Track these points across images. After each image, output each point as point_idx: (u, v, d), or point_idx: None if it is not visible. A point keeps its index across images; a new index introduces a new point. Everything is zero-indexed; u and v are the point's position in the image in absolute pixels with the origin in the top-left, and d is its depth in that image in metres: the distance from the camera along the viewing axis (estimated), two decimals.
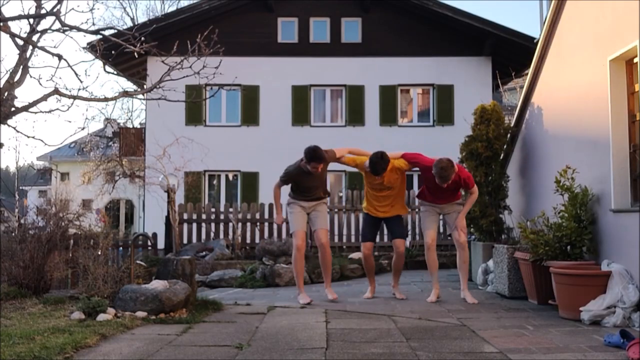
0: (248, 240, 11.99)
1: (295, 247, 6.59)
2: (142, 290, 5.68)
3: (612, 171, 5.56)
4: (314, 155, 6.28)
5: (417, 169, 6.71)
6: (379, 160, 6.27)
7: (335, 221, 11.94)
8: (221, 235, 11.95)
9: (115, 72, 18.79)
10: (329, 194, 6.98)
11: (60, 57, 8.17)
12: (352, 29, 18.89)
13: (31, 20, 8.45)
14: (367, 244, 6.79)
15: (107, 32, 9.04)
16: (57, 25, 8.13)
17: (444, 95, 18.47)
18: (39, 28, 8.52)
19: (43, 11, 8.39)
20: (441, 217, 6.95)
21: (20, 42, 8.39)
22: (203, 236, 12.04)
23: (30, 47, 8.45)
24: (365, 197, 6.89)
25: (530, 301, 6.35)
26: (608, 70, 5.67)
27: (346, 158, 6.74)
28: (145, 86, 18.28)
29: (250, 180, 18.34)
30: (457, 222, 6.47)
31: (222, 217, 12.11)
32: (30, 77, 8.72)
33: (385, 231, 12.01)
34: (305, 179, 6.52)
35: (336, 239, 11.91)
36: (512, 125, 8.35)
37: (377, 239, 11.91)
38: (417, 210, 12.08)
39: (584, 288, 5.24)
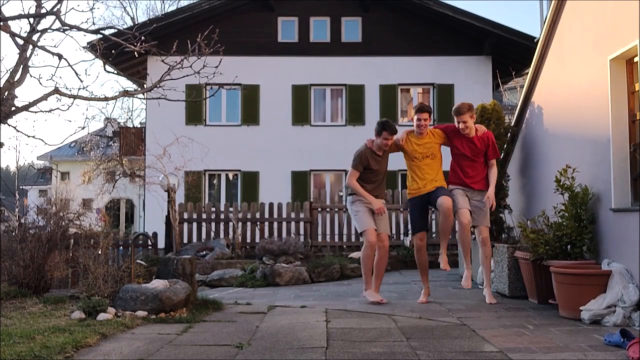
0: (248, 240, 11.99)
1: (369, 243, 6.25)
2: (143, 289, 5.69)
3: (612, 170, 5.56)
4: (386, 124, 6.21)
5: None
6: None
7: (335, 221, 11.94)
8: (221, 235, 11.95)
9: (115, 72, 18.79)
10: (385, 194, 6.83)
11: (60, 56, 8.17)
12: (352, 29, 18.89)
13: (31, 20, 8.46)
14: (420, 234, 6.36)
15: (107, 32, 9.05)
16: (57, 24, 8.15)
17: (444, 95, 18.45)
18: (39, 27, 8.52)
19: (43, 10, 8.39)
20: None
21: (21, 42, 8.40)
22: (203, 236, 12.04)
23: (31, 47, 8.46)
24: (408, 178, 6.49)
25: (530, 300, 6.35)
26: (608, 70, 5.67)
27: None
28: (145, 86, 18.29)
29: (251, 180, 18.34)
30: (488, 194, 6.20)
31: (222, 216, 12.12)
32: (31, 76, 8.73)
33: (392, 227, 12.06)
34: (373, 162, 6.30)
35: (336, 238, 11.92)
36: (512, 124, 8.35)
37: None
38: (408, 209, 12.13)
39: (584, 287, 5.23)
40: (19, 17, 7.94)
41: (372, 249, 6.28)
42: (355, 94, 18.56)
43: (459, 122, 6.20)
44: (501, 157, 8.14)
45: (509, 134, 8.16)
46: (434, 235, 12.08)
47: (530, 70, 7.86)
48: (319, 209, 11.97)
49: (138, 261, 8.20)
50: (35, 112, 8.62)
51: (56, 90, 8.27)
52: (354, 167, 6.34)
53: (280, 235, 11.75)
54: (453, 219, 6.32)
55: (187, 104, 16.00)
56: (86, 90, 10.66)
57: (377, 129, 6.27)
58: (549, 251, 5.82)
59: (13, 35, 8.23)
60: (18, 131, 9.01)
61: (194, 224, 12.10)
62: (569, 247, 5.87)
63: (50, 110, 8.66)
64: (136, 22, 22.76)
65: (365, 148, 6.35)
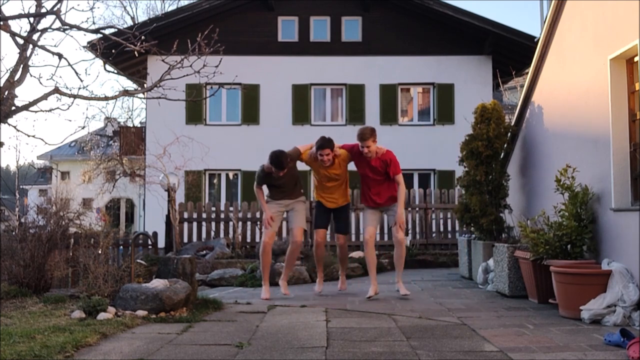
0: (248, 239, 11.98)
1: (262, 243, 6.95)
2: (143, 289, 5.69)
3: (612, 170, 5.56)
4: (275, 162, 6.54)
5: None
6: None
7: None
8: (221, 234, 11.95)
9: (115, 71, 18.77)
10: (303, 192, 7.19)
11: (60, 56, 8.17)
12: (352, 28, 18.88)
13: (31, 19, 8.45)
14: (320, 231, 6.99)
15: (107, 31, 9.06)
16: (58, 24, 8.15)
17: (445, 94, 18.46)
18: (39, 27, 8.52)
19: (43, 10, 8.39)
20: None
21: (21, 41, 8.40)
22: (203, 235, 12.04)
23: (31, 46, 8.46)
24: (315, 187, 7.12)
25: (530, 300, 6.35)
26: (608, 69, 5.67)
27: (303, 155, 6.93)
28: (145, 85, 18.28)
29: (251, 179, 18.17)
30: (396, 217, 6.59)
31: (222, 216, 12.12)
32: (31, 76, 8.73)
33: (386, 229, 12.11)
34: (273, 180, 6.80)
35: (336, 238, 11.87)
36: (512, 124, 8.34)
37: (377, 237, 12.08)
38: (416, 210, 12.15)
39: (584, 287, 5.24)
40: (19, 16, 7.95)
41: (264, 247, 6.90)
42: (356, 93, 18.56)
43: (362, 147, 6.52)
44: (501, 156, 8.16)
45: (509, 134, 8.16)
46: (433, 234, 12.12)
47: (531, 69, 7.86)
48: None
49: (138, 261, 8.21)
50: (36, 112, 8.64)
51: (56, 90, 8.27)
52: (255, 182, 7.00)
53: (280, 235, 11.75)
54: (347, 252, 7.17)
55: (187, 104, 16.00)
56: (86, 89, 10.69)
57: (269, 161, 6.60)
58: (549, 251, 5.82)
59: (13, 34, 8.23)
60: (18, 131, 9.03)
61: (194, 224, 12.10)
62: (569, 246, 5.87)
63: (50, 110, 8.68)
64: (136, 22, 22.74)
65: (261, 171, 6.84)
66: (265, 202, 6.96)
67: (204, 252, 10.91)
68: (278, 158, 6.52)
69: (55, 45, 16.93)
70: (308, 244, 11.43)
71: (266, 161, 6.67)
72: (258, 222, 12.12)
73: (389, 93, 18.54)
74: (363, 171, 6.75)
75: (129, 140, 20.51)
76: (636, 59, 5.38)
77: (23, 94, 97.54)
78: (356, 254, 10.33)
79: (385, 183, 6.70)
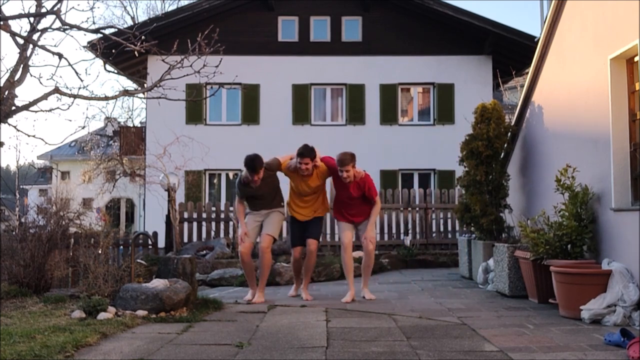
0: None
1: (240, 253, 6.88)
2: (143, 289, 5.69)
3: (612, 170, 5.56)
4: (248, 164, 6.41)
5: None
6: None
7: (335, 221, 11.91)
8: (221, 234, 11.95)
9: (115, 71, 18.75)
10: (283, 204, 7.07)
11: (60, 55, 8.17)
12: (352, 28, 18.87)
13: (31, 19, 8.45)
14: (297, 248, 6.97)
15: (107, 31, 9.06)
16: (58, 24, 8.15)
17: (445, 94, 18.45)
18: (40, 27, 8.52)
19: (43, 10, 8.39)
20: None
21: (21, 41, 8.40)
22: (203, 235, 12.04)
23: (31, 46, 8.46)
24: (289, 201, 6.97)
25: (530, 300, 6.35)
26: (609, 69, 5.67)
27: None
28: (145, 85, 18.27)
29: None
30: (366, 234, 6.66)
31: (222, 216, 12.12)
32: (31, 76, 8.74)
33: (386, 229, 12.13)
34: (251, 190, 6.68)
35: (336, 237, 11.90)
36: (512, 124, 8.35)
37: (378, 237, 12.11)
38: (416, 210, 12.17)
39: (584, 287, 5.24)
40: (19, 16, 7.95)
41: (242, 257, 6.82)
42: (356, 93, 18.55)
43: (341, 172, 6.50)
44: (501, 156, 8.16)
45: (509, 134, 8.16)
46: (433, 234, 12.14)
47: (531, 69, 7.86)
48: None
49: (138, 260, 8.21)
50: (36, 112, 8.63)
51: (56, 90, 8.27)
52: (237, 195, 6.89)
53: (281, 235, 11.74)
54: (315, 260, 7.03)
55: (188, 104, 16.00)
56: (86, 89, 10.69)
57: (244, 166, 6.50)
58: (549, 250, 5.82)
59: (13, 34, 8.23)
60: (18, 130, 9.03)
61: (194, 224, 12.10)
62: (569, 246, 5.87)
63: (50, 110, 8.67)
64: (136, 22, 22.76)
65: (239, 182, 6.72)
66: (243, 217, 6.85)
67: (204, 252, 10.91)
68: (252, 161, 6.38)
69: (55, 45, 16.90)
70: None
71: (245, 171, 6.57)
72: None
73: (389, 93, 18.53)
74: (340, 192, 6.77)
75: (129, 140, 20.49)
76: (636, 58, 5.38)
77: (23, 94, 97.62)
78: (356, 254, 10.30)
79: (361, 203, 6.73)
